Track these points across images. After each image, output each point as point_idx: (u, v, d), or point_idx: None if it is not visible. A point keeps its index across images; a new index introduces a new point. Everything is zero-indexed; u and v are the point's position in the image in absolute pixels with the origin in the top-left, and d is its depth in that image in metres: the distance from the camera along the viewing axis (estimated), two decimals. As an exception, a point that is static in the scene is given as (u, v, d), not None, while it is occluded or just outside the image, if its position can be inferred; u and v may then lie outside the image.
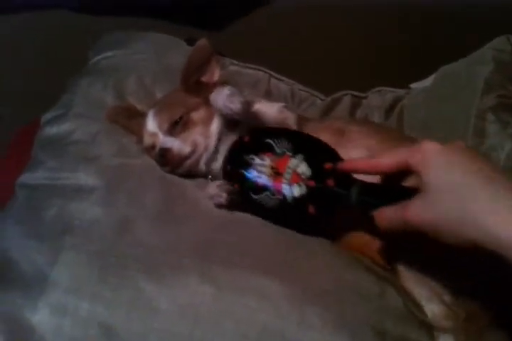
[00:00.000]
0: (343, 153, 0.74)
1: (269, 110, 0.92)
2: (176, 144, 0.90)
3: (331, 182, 0.69)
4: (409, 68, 1.36)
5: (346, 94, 1.30)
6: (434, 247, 0.58)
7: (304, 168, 0.72)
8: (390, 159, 0.62)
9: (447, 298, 0.69)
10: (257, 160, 0.77)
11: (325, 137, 0.82)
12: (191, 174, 0.92)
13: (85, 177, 0.84)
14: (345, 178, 0.68)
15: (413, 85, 1.31)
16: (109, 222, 0.77)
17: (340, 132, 0.90)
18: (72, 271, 0.70)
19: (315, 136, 0.79)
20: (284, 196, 0.73)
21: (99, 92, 1.05)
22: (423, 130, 1.13)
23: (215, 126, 0.92)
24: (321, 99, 1.30)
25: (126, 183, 0.84)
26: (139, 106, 1.03)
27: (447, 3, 1.43)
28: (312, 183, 0.71)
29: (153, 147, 0.92)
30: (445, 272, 0.69)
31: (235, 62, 1.31)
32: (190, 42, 1.25)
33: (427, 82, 1.25)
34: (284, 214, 0.76)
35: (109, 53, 1.16)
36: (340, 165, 0.68)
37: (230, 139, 0.90)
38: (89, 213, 0.78)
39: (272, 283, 0.69)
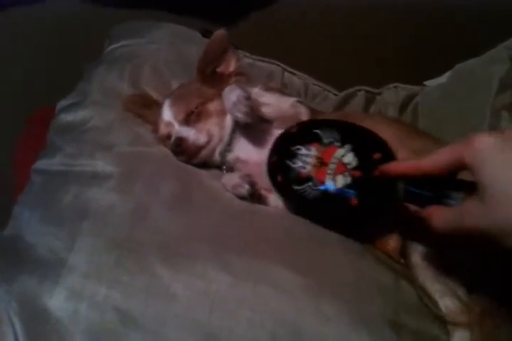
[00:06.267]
0: None
1: (282, 104, 0.91)
2: (192, 134, 0.90)
3: (377, 173, 0.64)
4: (424, 65, 1.36)
5: (360, 90, 1.29)
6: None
7: (350, 158, 0.70)
8: (440, 156, 0.54)
9: (461, 293, 0.69)
10: (303, 151, 0.75)
11: None
12: (206, 164, 0.92)
13: (102, 164, 0.84)
14: None
15: (428, 83, 1.30)
16: (126, 208, 0.77)
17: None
18: (89, 257, 0.71)
19: None
20: (327, 187, 0.70)
21: (115, 80, 1.05)
22: (437, 127, 1.12)
23: (230, 117, 0.92)
24: (335, 94, 1.29)
25: (142, 171, 0.84)
26: (155, 96, 1.03)
27: (462, 2, 1.43)
28: (357, 173, 0.68)
29: (168, 136, 0.93)
30: (461, 267, 0.70)
31: (248, 54, 1.31)
32: (205, 33, 1.25)
33: (442, 79, 1.24)
34: (324, 206, 0.72)
35: (126, 42, 1.16)
36: (384, 168, 0.63)
37: (245, 131, 0.90)
38: (106, 199, 0.79)
39: (287, 274, 0.69)
